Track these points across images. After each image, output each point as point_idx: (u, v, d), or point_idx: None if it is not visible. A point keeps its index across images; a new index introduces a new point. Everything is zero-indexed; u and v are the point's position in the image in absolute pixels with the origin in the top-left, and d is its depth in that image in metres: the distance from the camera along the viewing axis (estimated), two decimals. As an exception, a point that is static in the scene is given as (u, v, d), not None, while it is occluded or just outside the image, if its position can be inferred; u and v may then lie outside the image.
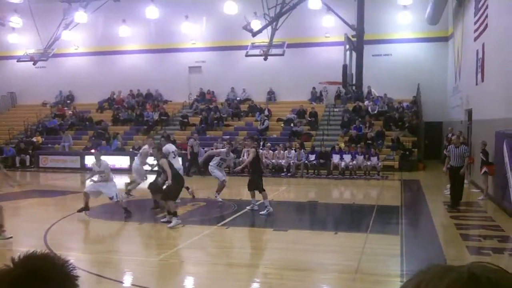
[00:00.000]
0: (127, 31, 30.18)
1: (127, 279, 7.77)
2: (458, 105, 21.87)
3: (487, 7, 15.66)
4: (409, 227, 11.05)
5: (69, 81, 31.39)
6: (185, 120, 27.12)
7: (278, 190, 16.39)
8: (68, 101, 31.64)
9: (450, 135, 17.49)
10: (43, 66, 30.60)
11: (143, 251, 9.10)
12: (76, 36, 29.78)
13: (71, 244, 9.93)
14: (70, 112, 29.65)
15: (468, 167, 15.18)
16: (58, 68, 31.47)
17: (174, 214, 10.66)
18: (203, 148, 22.71)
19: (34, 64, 29.22)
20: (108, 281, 7.24)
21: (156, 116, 27.84)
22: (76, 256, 8.76)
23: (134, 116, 28.44)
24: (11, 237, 9.19)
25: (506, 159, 11.70)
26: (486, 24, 15.72)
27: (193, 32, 29.58)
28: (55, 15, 27.56)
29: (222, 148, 16.55)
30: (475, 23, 17.46)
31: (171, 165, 11.07)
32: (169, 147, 14.32)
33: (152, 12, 27.06)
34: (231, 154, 13.97)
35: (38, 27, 26.65)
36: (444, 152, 16.10)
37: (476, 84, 17.27)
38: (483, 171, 14.26)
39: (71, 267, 1.27)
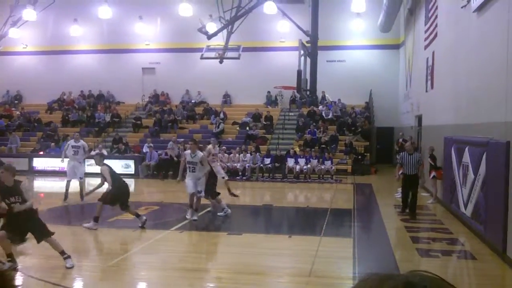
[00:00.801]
0: (78, 31, 29.43)
1: (77, 285, 7.52)
2: (409, 111, 22.47)
3: (436, 17, 16.16)
4: (361, 230, 11.22)
5: (17, 80, 30.30)
6: (138, 122, 26.67)
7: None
8: (16, 101, 30.53)
9: (401, 140, 17.92)
10: (-12, 64, 29.43)
11: (93, 256, 8.82)
12: (25, 34, 28.73)
13: (19, 249, 9.51)
14: (18, 112, 28.59)
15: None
16: (5, 67, 30.33)
17: (96, 220, 10.73)
18: (156, 151, 22.40)
19: (-21, 62, 28.06)
20: (56, 287, 6.97)
21: (108, 118, 27.24)
22: (23, 261, 8.41)
23: (85, 118, 27.72)
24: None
25: (454, 164, 12.07)
26: (436, 33, 16.21)
27: (147, 33, 29.18)
28: (1, 11, 26.58)
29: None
30: (426, 31, 17.98)
31: (112, 173, 11.28)
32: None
33: (105, 11, 26.45)
34: (199, 153, 11.74)
35: (-16, 23, 25.60)
36: (397, 158, 16.38)
37: (426, 91, 17.78)
38: (431, 175, 14.72)
39: (9, 276, 1.19)
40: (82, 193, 14.82)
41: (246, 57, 26.52)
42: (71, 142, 16.34)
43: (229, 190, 14.91)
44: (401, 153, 13.19)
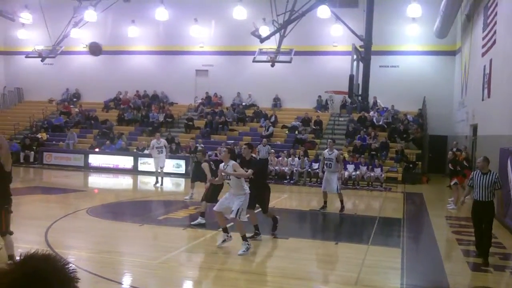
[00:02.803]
0: (136, 32, 30.30)
1: (126, 280, 7.76)
2: (464, 120, 21.85)
3: (495, 23, 15.67)
4: (410, 240, 11.02)
5: (76, 79, 31.51)
6: (190, 123, 27.17)
7: (279, 197, 16.35)
8: (75, 99, 31.75)
9: (454, 149, 17.44)
10: (50, 63, 30.69)
11: (143, 253, 9.09)
12: (85, 34, 29.88)
13: (72, 242, 9.93)
14: (76, 110, 29.73)
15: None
16: (65, 66, 31.60)
17: (202, 215, 11.33)
18: (207, 152, 22.72)
19: (42, 60, 29.32)
20: (106, 281, 7.23)
21: (161, 118, 27.89)
22: (75, 255, 8.78)
23: (140, 117, 28.51)
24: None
25: (510, 176, 11.66)
26: (494, 40, 15.72)
27: (202, 36, 29.68)
28: (65, 12, 27.73)
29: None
30: (483, 38, 17.46)
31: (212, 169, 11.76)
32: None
33: (161, 13, 27.16)
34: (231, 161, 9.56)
35: (48, 23, 26.75)
36: (450, 168, 15.85)
37: (482, 99, 17.26)
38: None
39: (72, 269, 1.26)
40: (157, 179, 18.82)
41: (297, 61, 26.60)
42: (154, 143, 18.78)
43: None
44: (473, 172, 9.72)
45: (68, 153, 25.22)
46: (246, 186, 9.24)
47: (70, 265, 1.28)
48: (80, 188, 17.96)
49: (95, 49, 22.70)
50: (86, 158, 24.21)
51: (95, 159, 24.23)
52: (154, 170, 19.37)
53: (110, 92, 30.71)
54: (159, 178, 18.80)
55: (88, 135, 27.50)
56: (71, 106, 30.72)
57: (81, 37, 29.66)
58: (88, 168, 23.73)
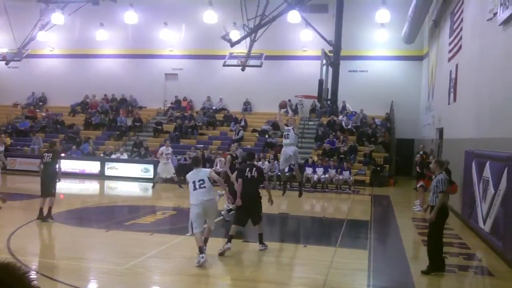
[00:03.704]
0: (104, 35, 29.89)
1: (91, 287, 7.60)
2: (430, 124, 22.25)
3: (461, 29, 16.02)
4: (377, 242, 11.13)
5: (42, 82, 30.88)
6: (159, 127, 26.91)
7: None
8: (41, 103, 31.10)
9: (421, 152, 17.72)
10: (16, 66, 30.06)
11: (109, 259, 8.92)
12: (52, 38, 29.37)
13: (36, 249, 9.69)
14: (43, 114, 29.10)
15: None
16: (31, 69, 30.95)
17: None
18: (176, 156, 22.55)
19: (6, 64, 28.66)
20: (71, 288, 7.06)
21: (129, 122, 27.56)
22: (39, 262, 8.56)
23: (107, 121, 28.10)
24: None
25: (474, 178, 11.91)
26: (460, 46, 16.06)
27: (171, 39, 29.50)
28: (31, 15, 27.20)
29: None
30: (450, 44, 17.82)
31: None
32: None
33: (131, 17, 26.89)
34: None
35: (13, 26, 26.16)
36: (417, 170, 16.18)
37: (449, 103, 17.60)
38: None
39: (32, 278, 1.22)
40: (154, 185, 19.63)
41: (268, 65, 26.68)
42: (163, 149, 19.46)
43: None
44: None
45: (33, 158, 24.62)
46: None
47: (31, 273, 1.22)
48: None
49: None
50: (52, 163, 23.67)
51: (61, 164, 23.65)
52: (127, 176, 20.34)
53: (77, 96, 30.19)
54: (171, 181, 19.50)
55: (54, 140, 26.90)
56: (37, 110, 30.08)
57: (48, 40, 29.11)
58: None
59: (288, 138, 11.94)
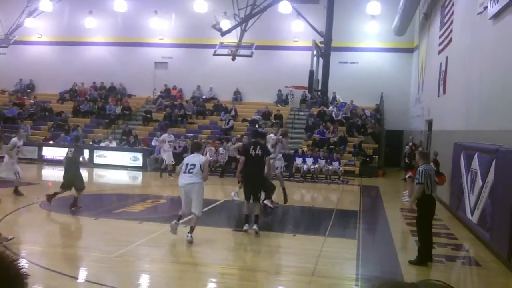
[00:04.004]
0: (93, 23, 29.59)
1: (81, 275, 7.59)
2: (419, 115, 22.38)
3: (452, 22, 16.07)
4: (366, 232, 11.21)
5: (30, 69, 30.53)
6: (148, 115, 26.79)
7: (239, 191, 16.32)
8: (28, 90, 30.77)
9: (410, 143, 17.85)
10: (3, 53, 29.70)
11: (98, 247, 8.89)
12: (40, 24, 29.02)
13: (25, 237, 9.63)
14: (31, 101, 28.80)
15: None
16: (19, 56, 30.58)
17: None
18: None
19: (-7, 50, 28.33)
20: (60, 276, 7.04)
21: (118, 110, 27.39)
22: (28, 249, 8.52)
23: (96, 109, 27.90)
24: None
25: (463, 170, 12.02)
26: (451, 39, 16.12)
27: (161, 28, 29.28)
28: (19, 1, 26.78)
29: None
30: (440, 36, 17.88)
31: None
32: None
33: (120, 5, 26.59)
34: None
35: (0, 12, 25.80)
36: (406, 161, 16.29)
37: (438, 96, 17.70)
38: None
39: (20, 266, 1.21)
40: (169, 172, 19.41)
41: (258, 55, 26.61)
42: (166, 137, 19.63)
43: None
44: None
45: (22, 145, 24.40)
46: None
47: (19, 261, 1.21)
48: (33, 181, 17.43)
49: None
50: (40, 150, 23.53)
51: (49, 152, 23.56)
52: (116, 164, 20.42)
53: (66, 84, 29.92)
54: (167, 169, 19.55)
55: (43, 127, 26.72)
56: (25, 97, 29.76)
57: (36, 27, 28.76)
58: (41, 161, 23.08)
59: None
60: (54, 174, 20.73)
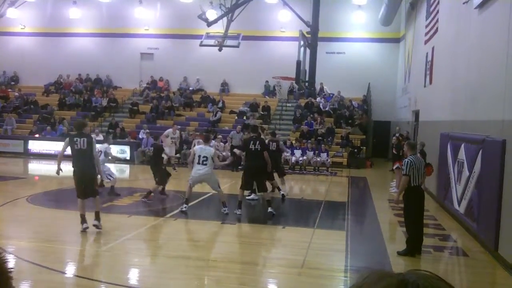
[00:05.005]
0: (77, 13, 29.17)
1: (69, 270, 7.52)
2: (406, 106, 22.47)
3: (438, 12, 16.09)
4: (355, 223, 11.27)
5: (14, 61, 30.11)
6: (135, 107, 26.59)
7: (228, 183, 16.32)
8: (13, 83, 30.35)
9: (397, 134, 17.93)
10: (-15, 44, 29.25)
11: (86, 241, 8.83)
12: (23, 15, 28.58)
13: (11, 232, 9.53)
14: (16, 94, 28.42)
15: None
16: (2, 47, 30.18)
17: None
18: (153, 137, 22.31)
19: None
20: (48, 271, 6.97)
21: (104, 102, 27.15)
22: (15, 245, 8.43)
23: (82, 101, 27.62)
24: None
25: (450, 160, 12.10)
26: (437, 28, 16.16)
27: (147, 18, 28.98)
28: (0, -9, 26.36)
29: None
30: (426, 26, 17.92)
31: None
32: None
33: (105, -5, 26.27)
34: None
35: (-18, 3, 25.39)
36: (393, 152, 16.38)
37: (425, 86, 17.76)
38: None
39: (4, 259, 1.18)
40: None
41: (245, 46, 26.44)
42: (170, 132, 19.41)
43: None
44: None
45: (6, 139, 24.15)
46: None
47: (3, 254, 1.18)
48: (19, 175, 17.26)
49: None
50: (26, 144, 23.29)
51: (35, 145, 23.32)
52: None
53: (51, 76, 29.56)
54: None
55: (28, 120, 26.41)
56: (9, 90, 29.35)
57: (19, 17, 28.31)
58: (27, 155, 22.84)
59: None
60: (41, 168, 20.56)
